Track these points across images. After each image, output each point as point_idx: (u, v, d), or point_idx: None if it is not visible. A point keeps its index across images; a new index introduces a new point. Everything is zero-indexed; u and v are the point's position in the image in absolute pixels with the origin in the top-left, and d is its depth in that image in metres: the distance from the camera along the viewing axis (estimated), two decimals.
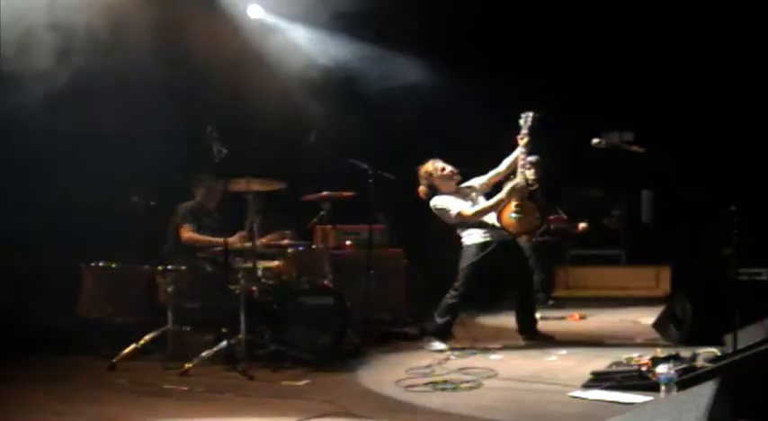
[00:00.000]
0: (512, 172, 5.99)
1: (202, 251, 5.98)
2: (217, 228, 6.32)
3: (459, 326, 6.40)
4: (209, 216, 6.33)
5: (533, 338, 6.19)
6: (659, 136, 8.52)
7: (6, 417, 4.01)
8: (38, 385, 4.83)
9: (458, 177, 6.15)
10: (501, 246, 5.99)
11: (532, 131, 5.88)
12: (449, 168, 6.12)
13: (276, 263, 6.24)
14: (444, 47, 8.12)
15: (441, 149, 8.73)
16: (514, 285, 6.31)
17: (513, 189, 5.84)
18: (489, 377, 4.82)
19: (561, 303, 8.78)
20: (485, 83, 8.90)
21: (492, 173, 6.17)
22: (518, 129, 5.95)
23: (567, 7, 8.95)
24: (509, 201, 5.86)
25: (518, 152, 5.93)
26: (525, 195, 5.86)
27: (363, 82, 8.14)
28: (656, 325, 6.41)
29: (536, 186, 5.98)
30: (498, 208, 5.88)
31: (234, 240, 5.92)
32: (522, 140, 5.90)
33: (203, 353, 5.21)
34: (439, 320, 5.99)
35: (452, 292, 6.00)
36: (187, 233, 6.14)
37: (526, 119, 5.92)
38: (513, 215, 5.85)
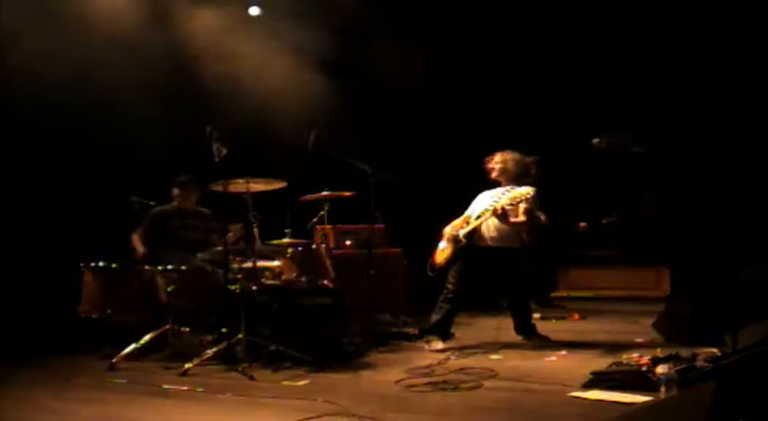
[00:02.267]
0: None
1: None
2: (204, 229, 6.35)
3: (460, 327, 6.40)
4: (190, 217, 6.37)
5: (530, 338, 6.20)
6: (659, 136, 8.51)
7: (6, 417, 4.01)
8: (38, 385, 4.83)
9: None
10: (491, 249, 6.01)
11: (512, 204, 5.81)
12: (517, 165, 6.13)
13: (276, 263, 6.24)
14: (443, 45, 8.12)
15: (440, 148, 8.76)
16: (507, 286, 6.30)
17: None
18: (489, 377, 4.82)
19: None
20: (484, 82, 8.92)
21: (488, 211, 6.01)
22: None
23: (566, 5, 8.95)
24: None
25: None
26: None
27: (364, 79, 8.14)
28: (655, 325, 6.40)
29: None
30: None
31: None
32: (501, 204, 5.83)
33: (203, 353, 5.22)
34: (432, 317, 6.04)
35: (444, 290, 6.05)
36: (134, 239, 6.24)
37: (524, 195, 5.75)
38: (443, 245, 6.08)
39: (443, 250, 6.13)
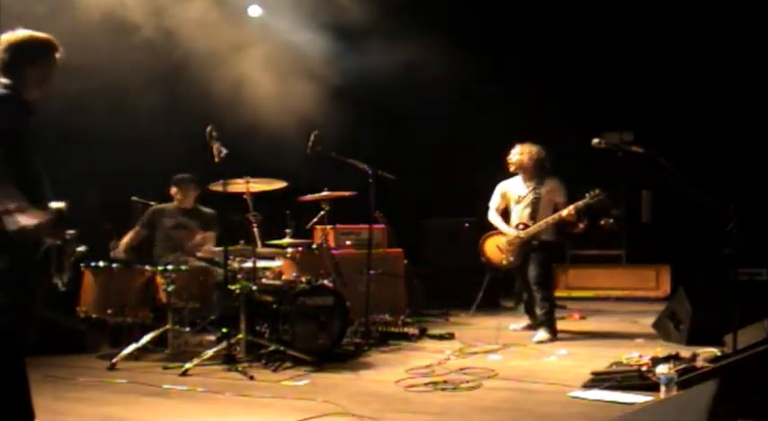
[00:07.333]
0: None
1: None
2: (197, 228, 6.36)
3: (460, 327, 6.40)
4: (185, 216, 6.41)
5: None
6: (659, 136, 8.51)
7: None
8: (38, 385, 4.82)
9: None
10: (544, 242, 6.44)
11: (588, 208, 6.22)
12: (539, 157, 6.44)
13: (277, 263, 6.24)
14: (444, 45, 8.11)
15: (440, 149, 8.75)
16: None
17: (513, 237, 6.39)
18: (489, 377, 4.82)
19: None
20: (485, 82, 8.92)
21: (560, 213, 6.29)
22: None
23: (568, 7, 8.96)
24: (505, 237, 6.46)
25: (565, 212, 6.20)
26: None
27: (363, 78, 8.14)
28: (656, 325, 6.41)
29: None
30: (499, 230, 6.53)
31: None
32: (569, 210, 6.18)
33: (203, 353, 5.22)
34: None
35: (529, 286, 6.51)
36: (125, 237, 6.29)
37: (593, 196, 6.17)
38: (498, 246, 6.49)
39: (503, 251, 6.44)
